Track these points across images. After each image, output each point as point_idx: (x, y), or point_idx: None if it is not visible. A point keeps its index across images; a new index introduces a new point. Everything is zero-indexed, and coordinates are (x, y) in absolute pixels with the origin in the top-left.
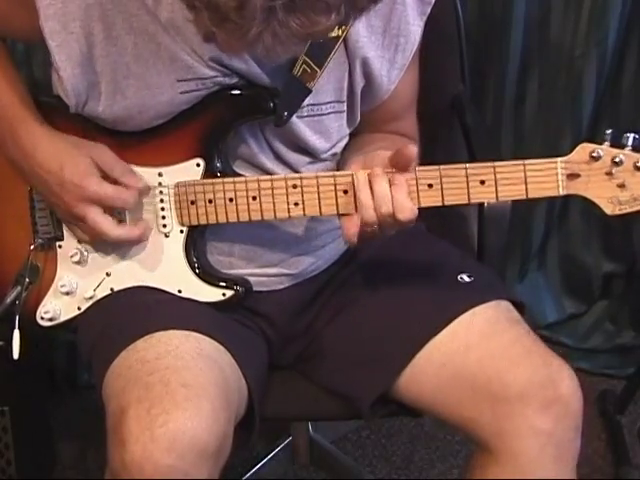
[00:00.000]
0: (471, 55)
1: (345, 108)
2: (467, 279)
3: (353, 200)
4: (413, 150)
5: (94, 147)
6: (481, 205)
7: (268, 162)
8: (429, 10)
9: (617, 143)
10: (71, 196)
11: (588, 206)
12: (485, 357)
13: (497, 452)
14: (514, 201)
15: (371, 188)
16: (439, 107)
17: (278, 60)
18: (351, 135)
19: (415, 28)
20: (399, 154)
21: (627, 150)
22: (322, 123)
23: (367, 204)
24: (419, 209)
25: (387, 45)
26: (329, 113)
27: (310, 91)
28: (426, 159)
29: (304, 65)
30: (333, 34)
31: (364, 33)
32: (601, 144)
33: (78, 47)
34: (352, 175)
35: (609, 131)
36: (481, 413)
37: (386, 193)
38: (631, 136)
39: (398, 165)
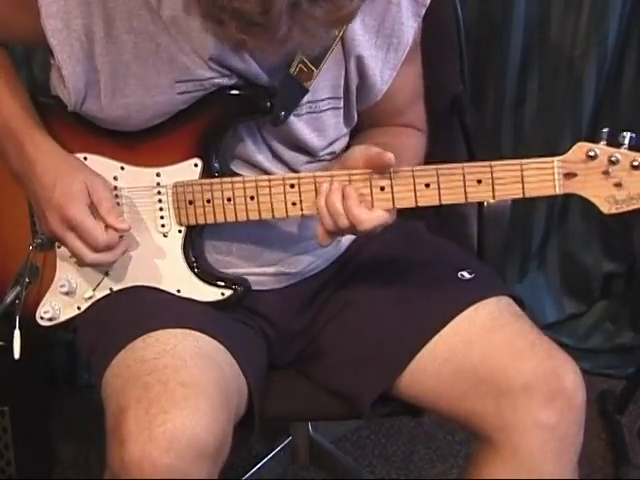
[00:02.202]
0: (471, 55)
1: (342, 105)
2: (468, 276)
3: None
4: (391, 158)
5: (93, 176)
6: (481, 205)
7: (266, 161)
8: (424, 11)
9: (614, 142)
10: (53, 214)
11: (588, 206)
12: (488, 350)
13: (500, 445)
14: (514, 201)
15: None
16: (439, 107)
17: (313, 53)
18: (357, 131)
19: (408, 29)
20: (378, 158)
21: (623, 149)
22: (320, 120)
23: (323, 214)
24: (417, 208)
25: (380, 45)
26: (326, 110)
27: (307, 91)
28: (426, 159)
29: (300, 64)
30: None
31: (359, 31)
32: (598, 143)
33: (79, 45)
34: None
35: (605, 130)
36: (485, 406)
37: (337, 208)
38: (627, 135)
39: (374, 167)
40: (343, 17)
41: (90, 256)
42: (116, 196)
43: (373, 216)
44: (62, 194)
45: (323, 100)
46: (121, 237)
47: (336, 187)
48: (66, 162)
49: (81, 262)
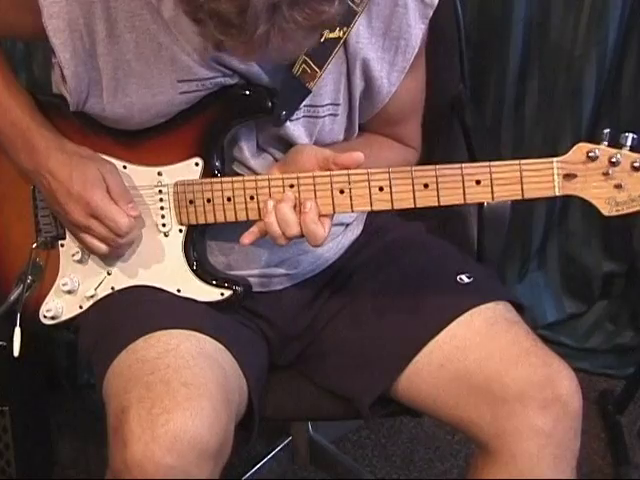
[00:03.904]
0: (471, 55)
1: (339, 112)
2: (466, 280)
3: (349, 199)
4: (357, 159)
5: (104, 163)
6: (481, 205)
7: (257, 166)
8: (431, 13)
9: (615, 143)
10: (75, 205)
11: (588, 206)
12: (484, 358)
13: (497, 453)
14: (513, 201)
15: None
16: (439, 107)
17: (291, 58)
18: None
19: (416, 31)
20: (334, 160)
21: (625, 150)
22: (316, 125)
23: (275, 232)
24: (417, 209)
25: (387, 47)
26: (325, 116)
27: (309, 91)
28: (425, 159)
29: (304, 65)
30: (334, 35)
31: (365, 34)
32: (599, 144)
33: (81, 44)
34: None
35: (607, 131)
36: (480, 414)
37: (290, 218)
38: (630, 136)
39: (332, 168)
40: (323, 23)
41: (119, 240)
42: None
43: (325, 234)
44: (80, 183)
45: (324, 106)
46: None
47: (286, 198)
48: (77, 153)
49: (114, 245)
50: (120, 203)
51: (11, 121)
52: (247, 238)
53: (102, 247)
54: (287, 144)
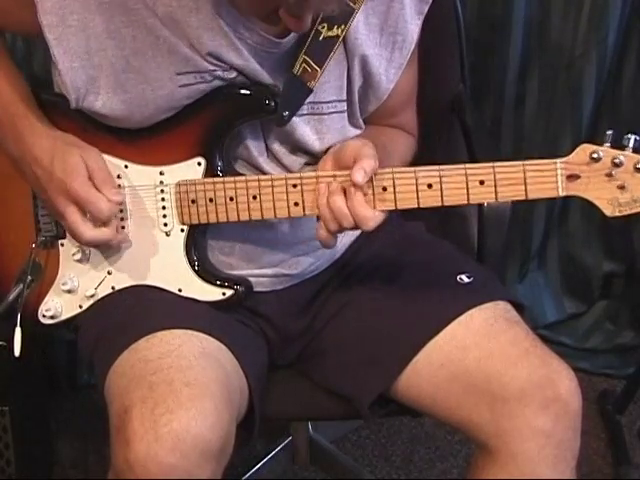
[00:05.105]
0: (471, 55)
1: (345, 108)
2: (466, 280)
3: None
4: (369, 166)
5: (87, 149)
6: (481, 205)
7: (265, 164)
8: (427, 9)
9: (618, 144)
10: (55, 190)
11: (588, 206)
12: (483, 357)
13: (496, 452)
14: (514, 201)
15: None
16: (439, 107)
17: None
18: None
19: (413, 27)
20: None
21: (628, 151)
22: (322, 123)
23: (326, 216)
24: (419, 209)
25: (384, 43)
26: (330, 113)
27: (311, 90)
28: (426, 159)
29: (304, 64)
30: (333, 33)
31: (363, 30)
32: (601, 145)
33: (76, 40)
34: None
35: (610, 132)
36: (480, 414)
37: (342, 209)
38: (632, 137)
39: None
40: None
41: (89, 232)
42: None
43: (376, 214)
44: (61, 170)
45: (328, 102)
46: (122, 219)
47: (336, 187)
48: (61, 140)
49: (80, 239)
50: (104, 189)
51: (1, 104)
52: (329, 242)
53: (82, 230)
54: (294, 141)
